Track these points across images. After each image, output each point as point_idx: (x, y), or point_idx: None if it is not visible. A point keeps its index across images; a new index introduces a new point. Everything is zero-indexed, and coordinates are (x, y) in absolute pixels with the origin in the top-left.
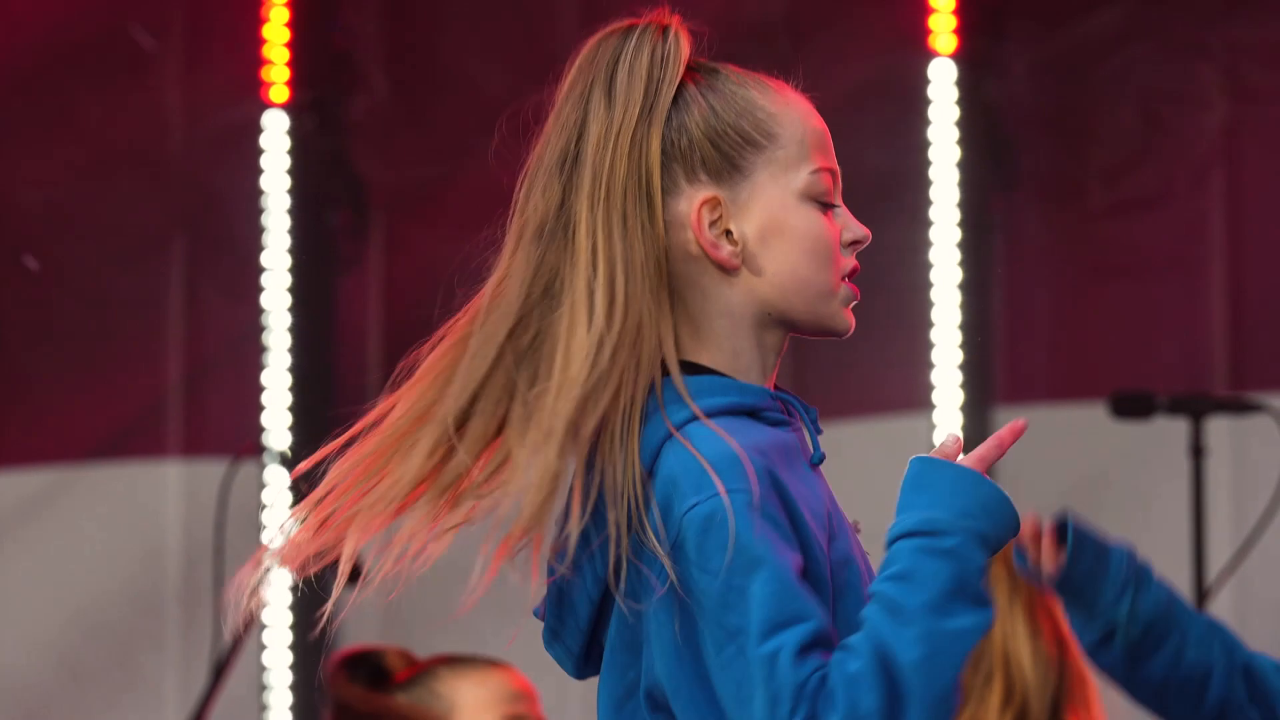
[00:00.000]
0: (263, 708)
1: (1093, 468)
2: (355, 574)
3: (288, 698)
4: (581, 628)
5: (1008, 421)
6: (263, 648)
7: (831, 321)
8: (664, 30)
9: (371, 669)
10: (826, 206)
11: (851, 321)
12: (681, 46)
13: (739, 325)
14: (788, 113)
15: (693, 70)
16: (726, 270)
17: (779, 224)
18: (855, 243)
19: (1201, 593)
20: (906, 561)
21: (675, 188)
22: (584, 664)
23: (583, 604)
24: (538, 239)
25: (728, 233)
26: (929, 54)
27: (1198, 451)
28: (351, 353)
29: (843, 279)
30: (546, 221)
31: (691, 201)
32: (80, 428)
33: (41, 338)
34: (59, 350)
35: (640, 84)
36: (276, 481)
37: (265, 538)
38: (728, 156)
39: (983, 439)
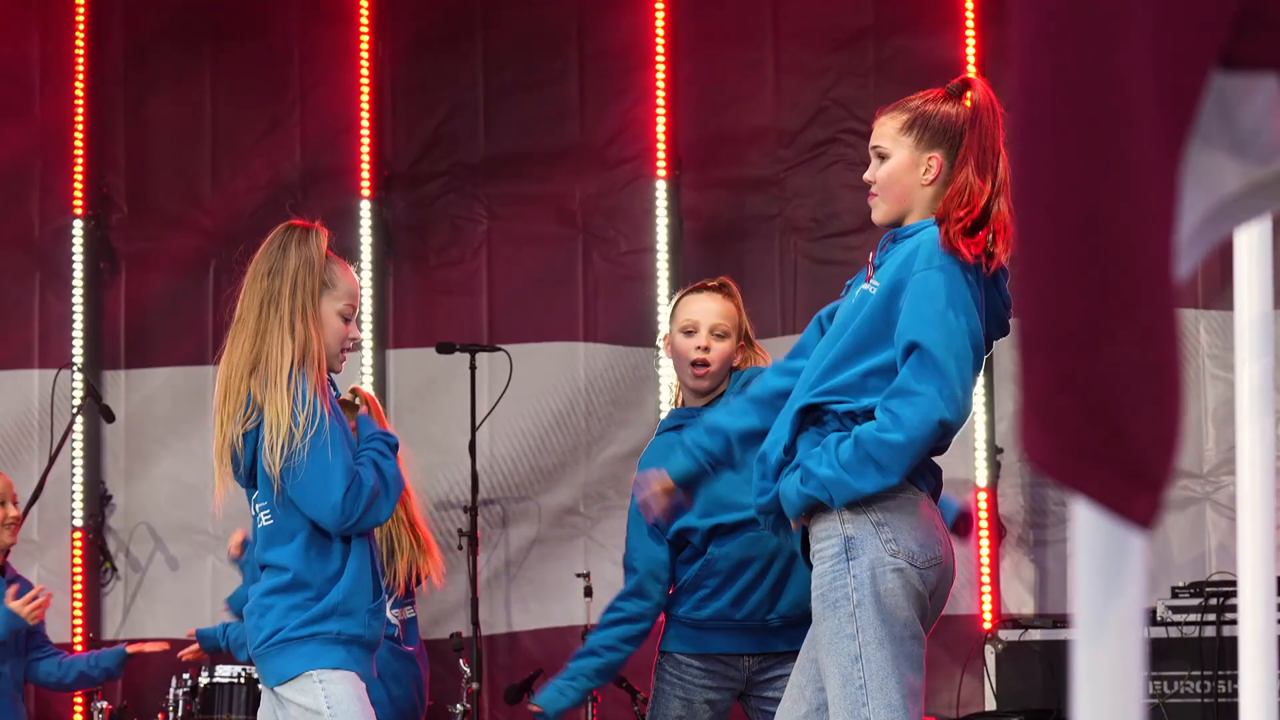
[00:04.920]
0: None
1: (424, 384)
2: (108, 412)
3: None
4: None
5: None
6: None
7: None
8: (313, 230)
9: None
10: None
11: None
12: (322, 240)
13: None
14: (346, 275)
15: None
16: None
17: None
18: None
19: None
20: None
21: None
22: None
23: None
24: (258, 317)
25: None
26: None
27: (473, 369)
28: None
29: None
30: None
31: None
32: None
33: None
34: None
35: (316, 252)
36: None
37: None
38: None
39: None
